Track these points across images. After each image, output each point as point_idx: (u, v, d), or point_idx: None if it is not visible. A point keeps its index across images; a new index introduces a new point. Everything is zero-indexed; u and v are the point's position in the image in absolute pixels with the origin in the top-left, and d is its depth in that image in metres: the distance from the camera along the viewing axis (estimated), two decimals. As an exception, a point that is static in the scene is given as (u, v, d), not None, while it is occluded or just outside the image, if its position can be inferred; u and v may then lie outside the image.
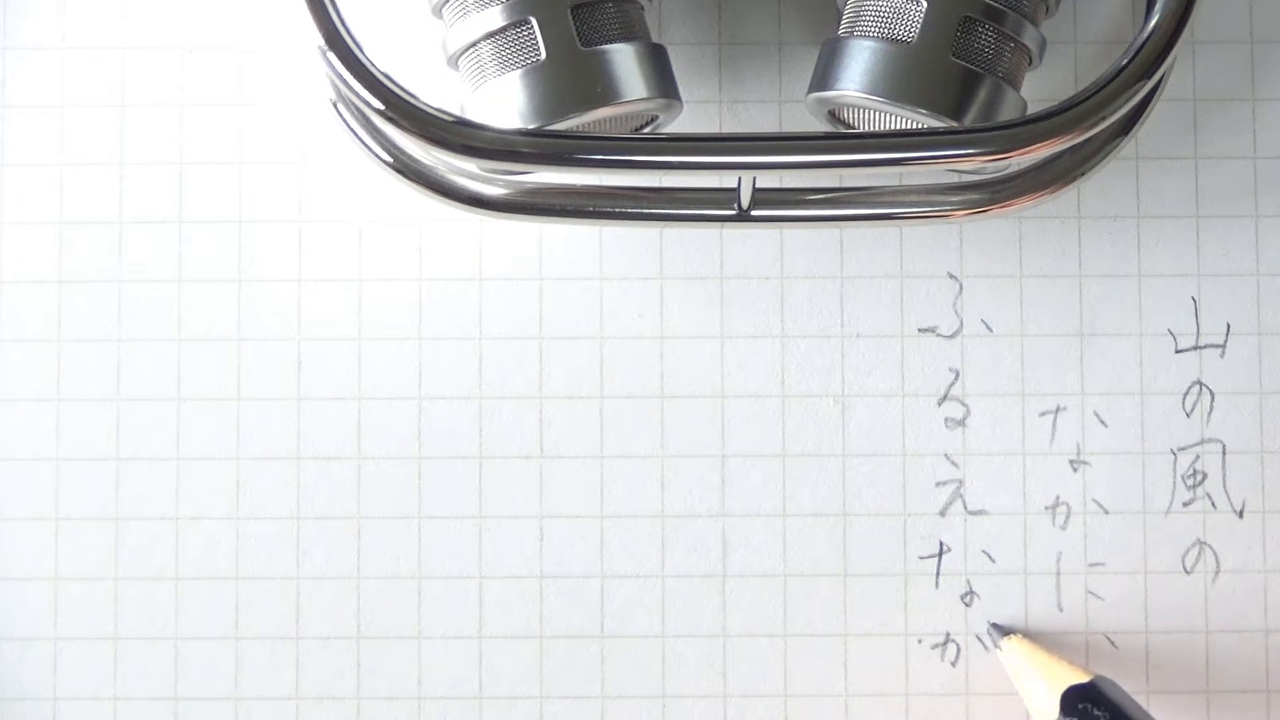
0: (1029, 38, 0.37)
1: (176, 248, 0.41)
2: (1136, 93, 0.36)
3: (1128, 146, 0.38)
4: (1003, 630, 0.40)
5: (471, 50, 0.37)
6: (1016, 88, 0.37)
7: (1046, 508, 0.41)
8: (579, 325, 0.41)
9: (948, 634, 0.40)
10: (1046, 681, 0.37)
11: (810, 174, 0.38)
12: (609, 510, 0.41)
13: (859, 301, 0.41)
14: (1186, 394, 0.41)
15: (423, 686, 0.40)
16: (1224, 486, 0.41)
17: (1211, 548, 0.40)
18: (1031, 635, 0.40)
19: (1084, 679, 0.36)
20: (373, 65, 0.36)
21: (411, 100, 0.36)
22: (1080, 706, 0.36)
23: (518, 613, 0.40)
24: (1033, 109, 0.37)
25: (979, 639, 0.40)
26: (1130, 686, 0.40)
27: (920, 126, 0.36)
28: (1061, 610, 0.40)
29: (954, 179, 0.38)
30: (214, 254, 0.41)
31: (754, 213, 0.38)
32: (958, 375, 0.41)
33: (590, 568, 0.41)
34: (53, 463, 0.41)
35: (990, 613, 0.40)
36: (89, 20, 0.41)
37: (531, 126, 0.36)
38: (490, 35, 0.36)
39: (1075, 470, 0.41)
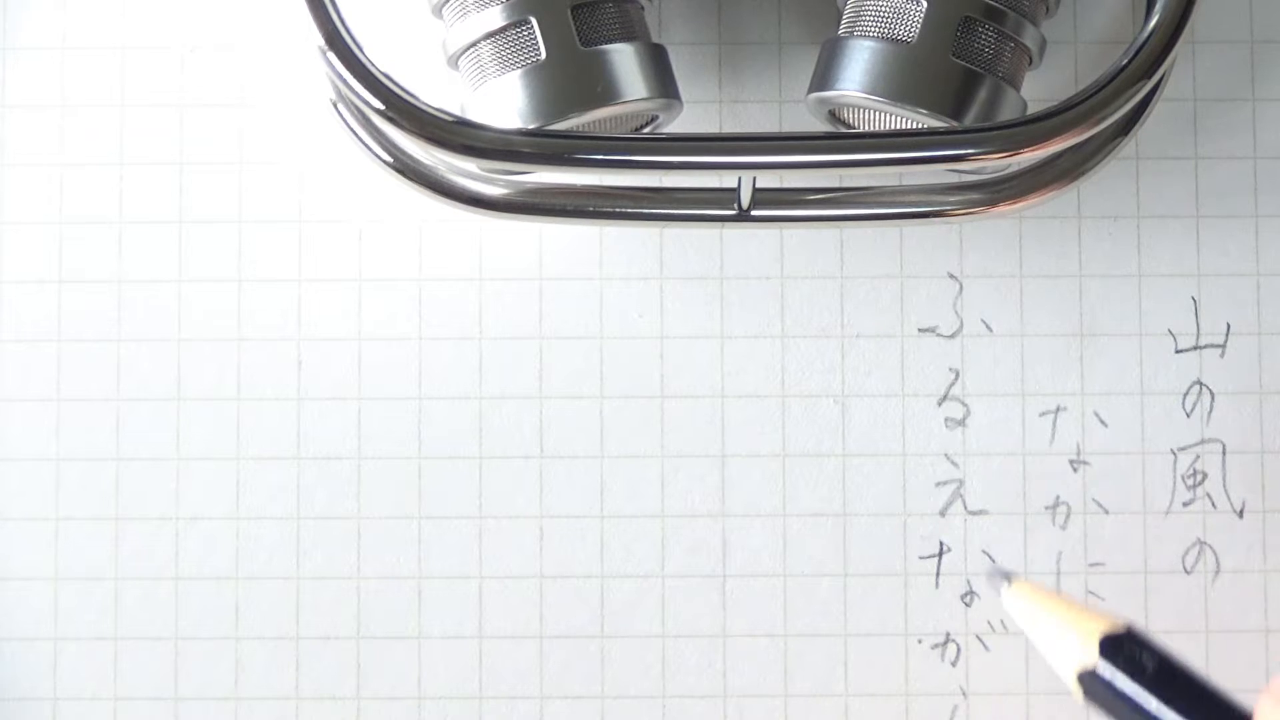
0: (1029, 38, 0.37)
1: (176, 248, 0.41)
2: (1136, 93, 0.36)
3: (1128, 146, 0.38)
4: (1004, 573, 0.38)
5: (471, 50, 0.37)
6: (1016, 88, 0.37)
7: (1046, 508, 0.41)
8: (579, 325, 0.41)
9: (948, 634, 0.40)
10: (1072, 626, 0.35)
11: (810, 174, 0.38)
12: (609, 510, 0.41)
13: (859, 301, 0.41)
14: (1186, 394, 0.41)
15: (423, 686, 0.40)
16: (1224, 486, 0.41)
17: (1211, 548, 0.40)
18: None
19: (1114, 624, 0.34)
20: (373, 65, 0.36)
21: (411, 100, 0.36)
22: (1126, 649, 0.34)
23: (518, 613, 0.40)
24: (1033, 109, 0.37)
25: (979, 637, 0.40)
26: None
27: (920, 126, 0.36)
28: (1061, 610, 0.40)
29: (954, 179, 0.38)
30: (214, 254, 0.41)
31: (754, 213, 0.38)
32: (958, 375, 0.41)
33: (590, 568, 0.41)
34: (53, 463, 0.41)
35: (990, 613, 0.40)
36: (89, 20, 0.41)
37: (531, 126, 0.36)
38: (490, 35, 0.36)
39: (1075, 470, 0.41)
